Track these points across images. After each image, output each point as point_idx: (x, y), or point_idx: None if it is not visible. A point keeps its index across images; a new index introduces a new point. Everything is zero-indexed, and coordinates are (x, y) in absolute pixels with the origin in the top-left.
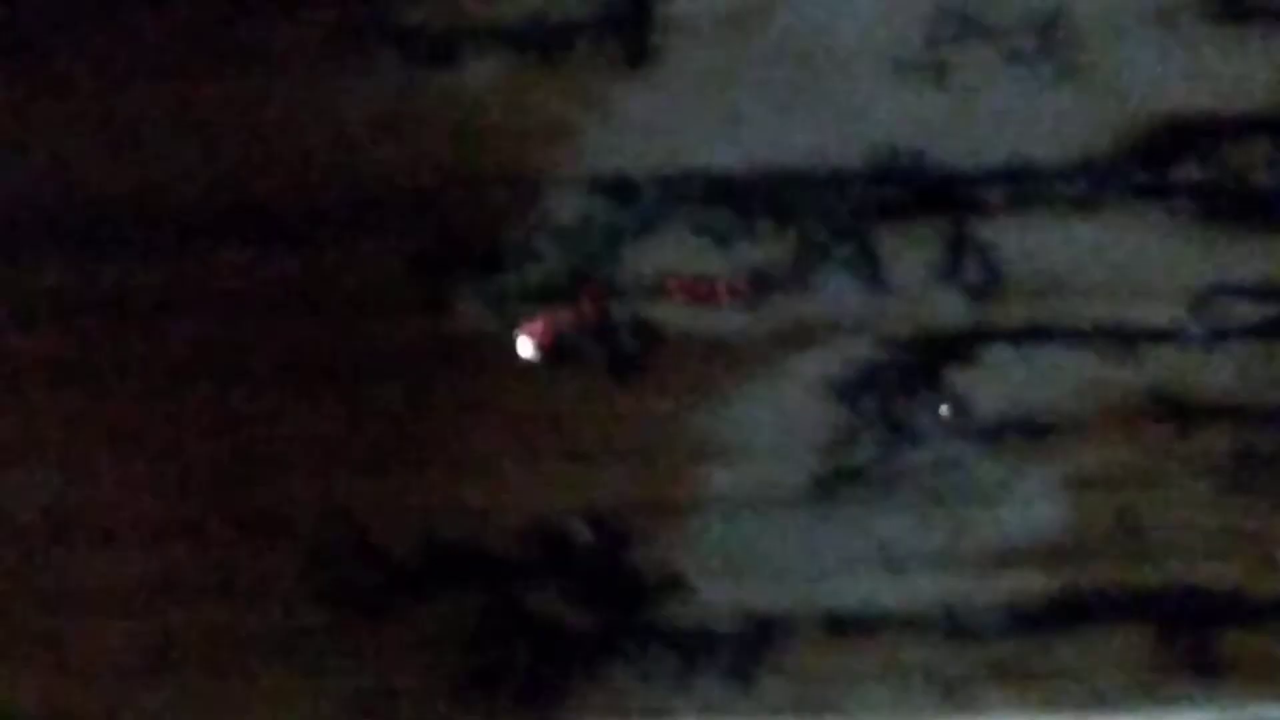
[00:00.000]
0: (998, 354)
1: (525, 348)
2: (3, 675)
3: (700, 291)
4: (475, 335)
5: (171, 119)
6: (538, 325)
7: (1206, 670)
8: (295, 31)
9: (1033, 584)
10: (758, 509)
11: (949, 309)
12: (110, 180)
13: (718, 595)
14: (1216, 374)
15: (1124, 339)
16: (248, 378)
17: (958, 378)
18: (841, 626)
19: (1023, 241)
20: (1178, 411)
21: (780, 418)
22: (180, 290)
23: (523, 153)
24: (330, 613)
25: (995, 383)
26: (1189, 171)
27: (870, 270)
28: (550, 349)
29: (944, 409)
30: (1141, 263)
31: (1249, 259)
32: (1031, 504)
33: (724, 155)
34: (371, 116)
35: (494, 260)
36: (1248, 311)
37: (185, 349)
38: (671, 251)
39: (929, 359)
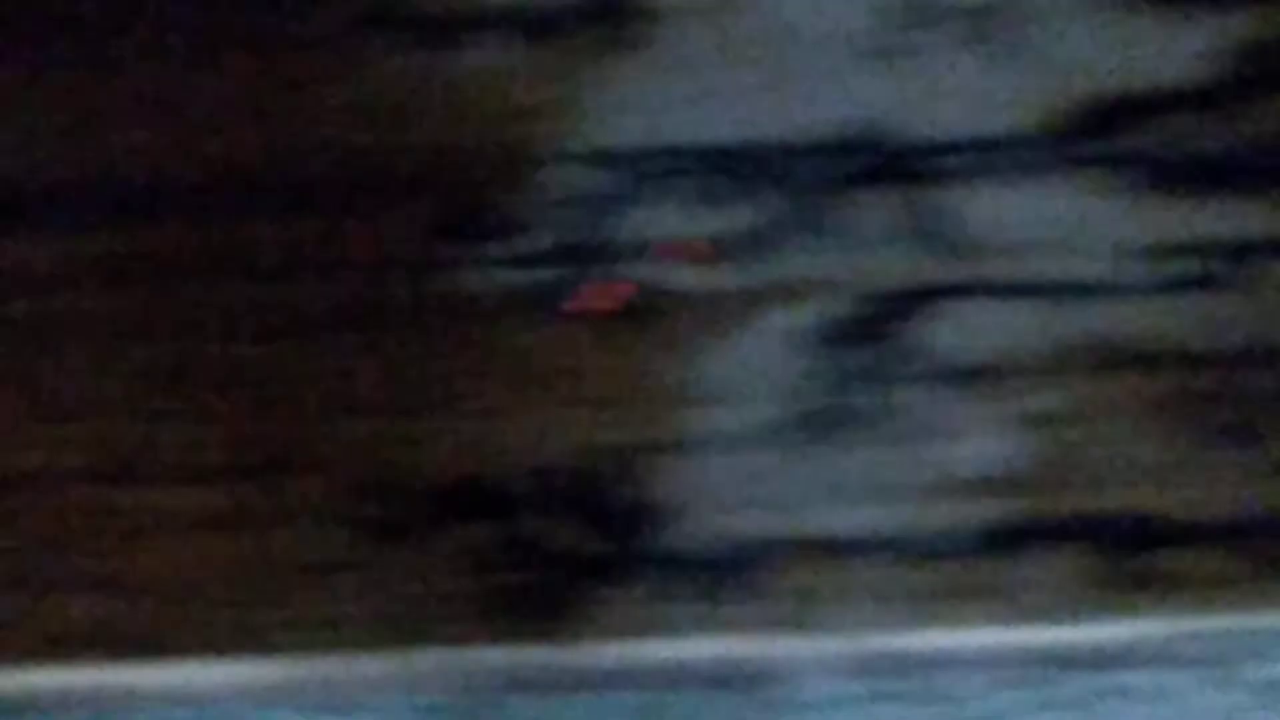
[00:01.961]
0: (954, 307)
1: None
2: (59, 597)
3: (683, 253)
4: (487, 294)
5: (199, 96)
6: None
7: (1149, 585)
8: (314, 18)
9: (987, 511)
10: (739, 447)
11: (909, 267)
12: (141, 152)
13: (704, 524)
14: (1154, 322)
15: (1069, 292)
16: (284, 333)
17: (918, 329)
18: (814, 551)
19: (976, 206)
20: (1118, 356)
21: (758, 366)
22: (210, 253)
23: (521, 129)
24: (360, 542)
25: (952, 333)
26: (1127, 141)
27: (838, 233)
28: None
29: None
30: (1085, 224)
31: (1183, 220)
32: (986, 440)
33: (703, 130)
34: (382, 96)
35: (502, 226)
36: (1181, 267)
37: (227, 307)
38: (657, 218)
39: (892, 312)
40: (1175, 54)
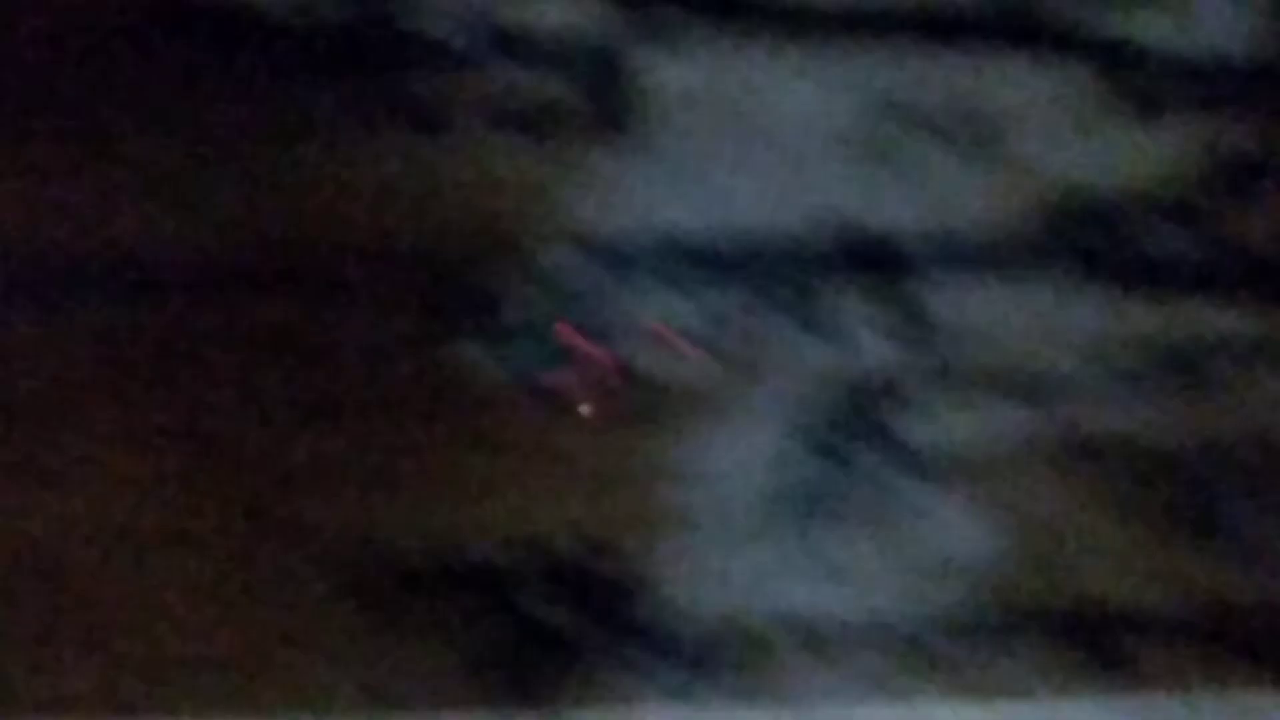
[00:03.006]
0: (927, 397)
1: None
2: (67, 667)
3: (671, 340)
4: (475, 373)
5: (206, 185)
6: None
7: (1110, 667)
8: (315, 106)
9: (956, 596)
10: (718, 528)
11: (886, 356)
12: (146, 234)
13: (683, 600)
14: (1115, 417)
15: (1036, 385)
16: (282, 411)
17: (893, 417)
18: (790, 629)
19: (949, 300)
20: (1082, 449)
21: (738, 450)
22: (214, 334)
23: (512, 216)
24: (351, 612)
25: (925, 422)
26: (1093, 242)
27: (817, 324)
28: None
29: None
30: (1051, 320)
31: (1144, 319)
32: (956, 527)
33: (689, 220)
34: (380, 182)
35: (490, 310)
36: (1142, 364)
37: (226, 386)
38: (645, 306)
39: (868, 401)
40: (1145, 161)
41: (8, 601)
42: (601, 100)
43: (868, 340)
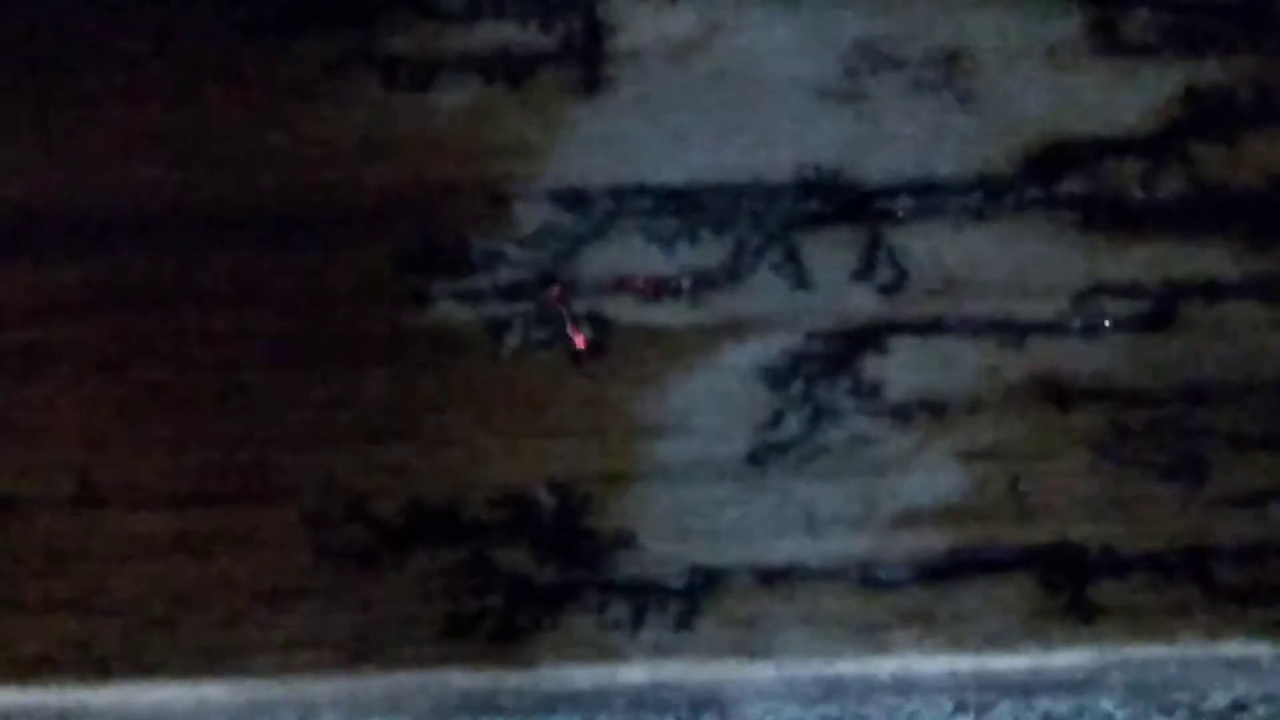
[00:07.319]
0: (905, 344)
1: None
2: (39, 622)
3: (648, 289)
4: (452, 327)
5: (182, 134)
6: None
7: (1083, 616)
8: (291, 60)
9: (934, 542)
10: (698, 478)
11: (864, 305)
12: (127, 187)
13: (664, 553)
14: (1093, 361)
15: (1014, 331)
16: (252, 363)
17: (871, 364)
18: (771, 579)
19: (927, 246)
20: (1059, 393)
21: (717, 400)
22: (189, 285)
23: (491, 168)
24: (327, 568)
25: (903, 369)
26: (1072, 186)
27: (796, 271)
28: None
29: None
30: (1030, 265)
31: (1123, 262)
32: (933, 473)
33: (668, 170)
34: (358, 135)
35: (467, 262)
36: (1121, 308)
37: (195, 337)
38: (623, 255)
39: (846, 348)
40: (1117, 103)
41: None
42: (579, 53)
43: (846, 290)
